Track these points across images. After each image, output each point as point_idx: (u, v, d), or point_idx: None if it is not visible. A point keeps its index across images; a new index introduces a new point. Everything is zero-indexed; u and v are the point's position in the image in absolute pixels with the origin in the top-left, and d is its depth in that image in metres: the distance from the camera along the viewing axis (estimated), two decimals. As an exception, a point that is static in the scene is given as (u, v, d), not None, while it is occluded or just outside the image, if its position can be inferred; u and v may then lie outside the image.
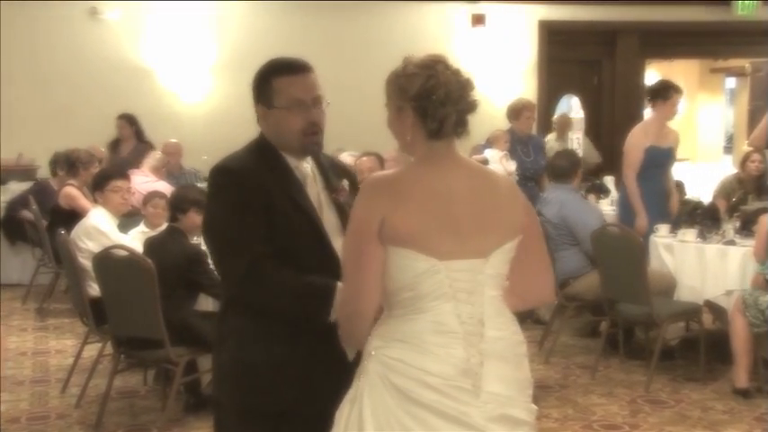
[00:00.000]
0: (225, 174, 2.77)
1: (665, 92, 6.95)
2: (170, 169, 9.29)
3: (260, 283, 2.68)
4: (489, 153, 8.21)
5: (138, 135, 9.69)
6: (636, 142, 6.99)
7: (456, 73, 2.49)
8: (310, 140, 2.82)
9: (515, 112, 8.38)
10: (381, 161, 7.05)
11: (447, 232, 2.44)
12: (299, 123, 2.79)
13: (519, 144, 8.27)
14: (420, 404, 2.39)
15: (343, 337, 2.59)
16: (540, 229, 2.70)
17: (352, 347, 2.65)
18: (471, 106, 2.51)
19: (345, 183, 3.00)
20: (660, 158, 6.99)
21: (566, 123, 11.38)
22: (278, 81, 2.80)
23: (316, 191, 2.89)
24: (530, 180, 8.23)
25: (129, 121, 9.67)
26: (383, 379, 2.42)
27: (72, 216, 7.14)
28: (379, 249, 2.42)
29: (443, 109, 2.44)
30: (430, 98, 2.44)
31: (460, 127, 2.50)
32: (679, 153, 7.42)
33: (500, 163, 8.06)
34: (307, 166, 2.90)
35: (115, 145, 9.70)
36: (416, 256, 2.41)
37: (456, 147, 2.53)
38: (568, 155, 7.34)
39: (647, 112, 7.38)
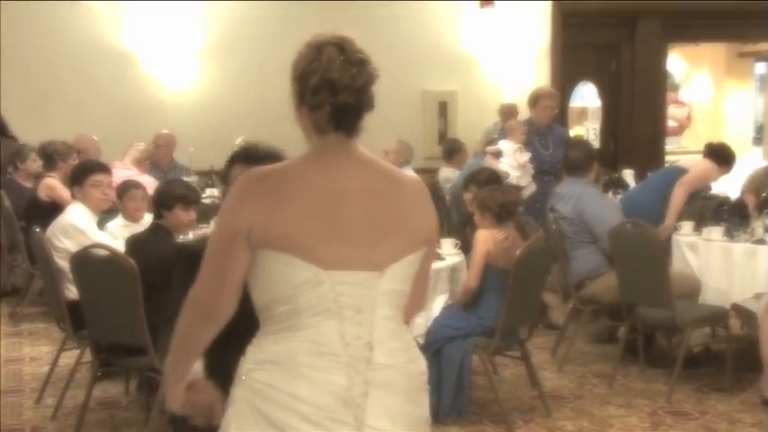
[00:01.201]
0: None
1: (731, 161, 7.57)
2: (158, 162, 9.30)
3: None
4: (504, 145, 8.20)
5: (2, 129, 9.44)
6: (708, 178, 7.65)
7: (352, 61, 2.30)
8: None
9: (533, 99, 8.35)
10: None
11: (334, 238, 2.28)
12: None
13: (536, 135, 8.24)
14: None
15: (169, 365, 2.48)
16: (434, 244, 2.57)
17: (176, 381, 2.50)
18: (359, 101, 2.31)
19: None
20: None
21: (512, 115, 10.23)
22: (236, 168, 3.18)
23: None
24: (547, 174, 8.19)
25: None
26: (251, 407, 2.29)
27: (50, 211, 7.15)
28: (245, 254, 2.29)
29: (316, 97, 2.28)
30: (308, 83, 2.29)
31: (341, 122, 2.31)
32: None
33: (513, 155, 8.05)
34: None
35: None
36: (295, 262, 2.26)
37: (355, 142, 2.37)
38: (582, 145, 7.34)
39: (698, 159, 7.84)
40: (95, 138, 9.21)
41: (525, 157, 8.08)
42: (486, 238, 5.52)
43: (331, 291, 2.28)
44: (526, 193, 7.91)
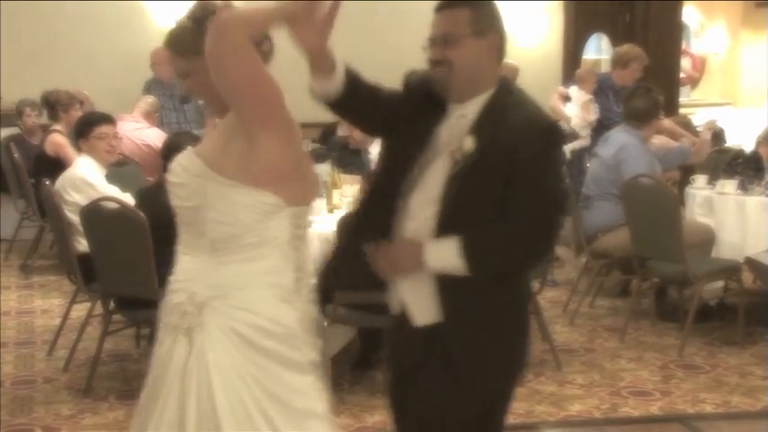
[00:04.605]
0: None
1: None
2: (161, 80, 9.15)
3: None
4: (574, 92, 8.00)
5: None
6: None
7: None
8: None
9: (624, 60, 8.11)
10: None
11: (295, 175, 2.55)
12: None
13: (611, 91, 8.08)
14: (266, 353, 2.46)
15: None
16: None
17: None
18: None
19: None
20: None
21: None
22: None
23: None
24: (606, 129, 8.08)
25: None
26: (227, 332, 2.47)
27: (57, 166, 7.16)
28: None
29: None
30: None
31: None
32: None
33: (581, 107, 7.86)
34: None
35: None
36: (271, 198, 2.48)
37: None
38: (648, 97, 6.78)
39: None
40: (87, 93, 9.18)
41: (593, 115, 7.92)
42: None
43: (290, 224, 2.52)
44: (578, 145, 7.86)
